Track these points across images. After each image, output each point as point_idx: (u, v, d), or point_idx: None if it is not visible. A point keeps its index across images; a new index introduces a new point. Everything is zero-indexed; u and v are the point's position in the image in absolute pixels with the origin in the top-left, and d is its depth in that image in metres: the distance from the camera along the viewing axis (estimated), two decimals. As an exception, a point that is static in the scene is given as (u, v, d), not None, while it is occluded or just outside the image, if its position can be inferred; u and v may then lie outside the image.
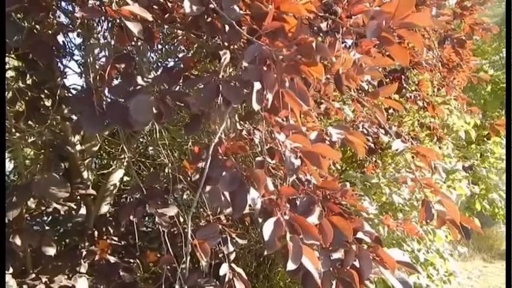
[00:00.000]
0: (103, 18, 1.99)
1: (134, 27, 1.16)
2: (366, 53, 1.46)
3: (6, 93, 1.98)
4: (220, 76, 1.35)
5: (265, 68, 1.23)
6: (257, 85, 1.21)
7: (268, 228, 1.15)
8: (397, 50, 1.22)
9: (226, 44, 1.45)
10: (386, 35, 1.15)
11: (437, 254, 3.40)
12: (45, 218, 2.23)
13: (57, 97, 1.97)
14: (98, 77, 1.38)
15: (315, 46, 1.15)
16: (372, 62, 1.51)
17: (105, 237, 2.20)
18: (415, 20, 1.15)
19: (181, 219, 1.93)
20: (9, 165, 2.94)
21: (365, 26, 1.32)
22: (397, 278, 1.37)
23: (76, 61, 2.44)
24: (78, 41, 2.51)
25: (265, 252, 1.16)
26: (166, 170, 1.99)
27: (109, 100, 1.32)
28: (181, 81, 1.51)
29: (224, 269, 1.62)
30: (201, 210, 2.12)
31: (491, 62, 10.31)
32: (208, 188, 1.34)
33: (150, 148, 2.99)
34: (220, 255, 1.83)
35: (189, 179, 1.85)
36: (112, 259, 2.09)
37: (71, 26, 2.17)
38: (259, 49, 1.17)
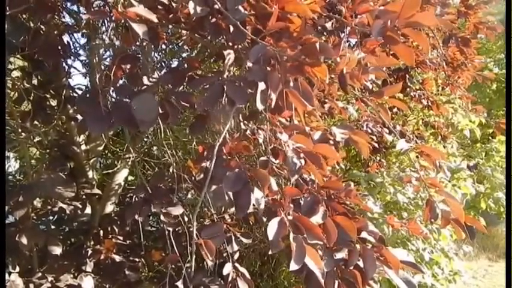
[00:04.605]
0: (108, 19, 2.00)
1: (139, 29, 1.16)
2: (370, 53, 1.45)
3: (13, 93, 2.00)
4: (225, 76, 1.36)
5: (269, 68, 1.23)
6: (261, 85, 1.22)
7: (272, 228, 1.15)
8: (402, 50, 1.22)
9: (230, 44, 1.45)
10: (392, 34, 1.15)
11: (442, 253, 3.39)
12: (51, 217, 2.24)
13: (62, 97, 1.98)
14: (103, 77, 1.39)
15: (319, 46, 1.15)
16: (377, 61, 1.50)
17: (110, 237, 2.21)
18: (421, 20, 1.14)
19: (186, 219, 1.94)
20: (15, 165, 2.96)
21: (370, 25, 1.32)
22: (401, 277, 1.37)
23: (81, 61, 2.45)
24: (83, 41, 2.53)
25: (270, 252, 1.16)
26: (171, 170, 2.00)
27: (114, 100, 1.33)
28: (186, 81, 1.51)
29: (228, 269, 1.63)
30: (205, 209, 2.13)
31: (496, 60, 10.24)
32: (212, 187, 1.34)
33: (155, 148, 3.00)
34: (224, 255, 1.84)
35: (193, 178, 1.85)
36: (117, 258, 2.10)
37: (76, 26, 2.19)
38: (264, 49, 1.17)
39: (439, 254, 3.36)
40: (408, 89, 3.20)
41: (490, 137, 6.27)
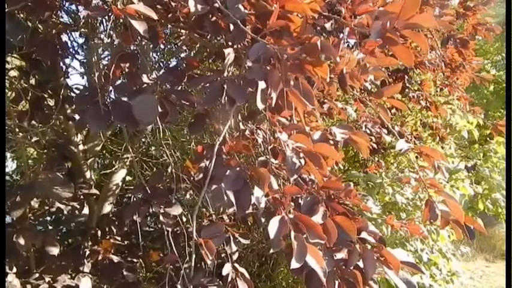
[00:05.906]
0: (106, 17, 1.99)
1: (139, 26, 1.15)
2: (369, 53, 1.45)
3: (10, 92, 1.99)
4: (225, 75, 1.35)
5: (269, 67, 1.22)
6: (262, 84, 1.21)
7: (273, 226, 1.15)
8: (401, 51, 1.22)
9: (230, 43, 1.45)
10: (391, 35, 1.15)
11: (440, 254, 3.40)
12: (49, 217, 2.23)
13: (60, 97, 1.97)
14: (102, 76, 1.38)
15: (320, 45, 1.14)
16: (376, 61, 1.50)
17: (108, 237, 2.20)
18: (420, 21, 1.14)
19: (184, 219, 1.93)
20: (12, 165, 2.95)
21: (369, 26, 1.31)
22: (401, 278, 1.36)
23: (79, 60, 2.44)
24: (81, 40, 2.52)
25: (270, 251, 1.15)
26: (169, 170, 1.99)
27: (113, 98, 1.32)
28: (185, 80, 1.50)
29: (227, 269, 1.62)
30: (204, 210, 2.12)
31: (493, 61, 10.31)
32: (212, 187, 1.33)
33: (153, 148, 2.99)
34: (223, 255, 1.83)
35: (192, 178, 1.84)
36: (115, 259, 2.10)
37: (74, 25, 2.18)
38: (264, 48, 1.17)
39: (437, 254, 3.36)
40: (407, 90, 3.21)
41: (487, 138, 6.29)
